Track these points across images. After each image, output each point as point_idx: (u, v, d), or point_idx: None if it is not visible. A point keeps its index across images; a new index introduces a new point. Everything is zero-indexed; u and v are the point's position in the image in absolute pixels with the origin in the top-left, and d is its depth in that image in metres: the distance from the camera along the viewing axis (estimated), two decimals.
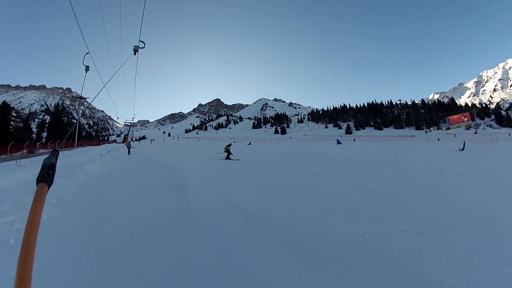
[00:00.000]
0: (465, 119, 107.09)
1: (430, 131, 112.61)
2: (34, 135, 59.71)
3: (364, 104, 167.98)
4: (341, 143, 41.00)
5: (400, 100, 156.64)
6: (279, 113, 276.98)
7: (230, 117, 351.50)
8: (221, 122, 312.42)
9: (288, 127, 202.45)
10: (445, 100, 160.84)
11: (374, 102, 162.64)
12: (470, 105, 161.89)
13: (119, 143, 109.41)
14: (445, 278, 3.07)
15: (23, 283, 0.66)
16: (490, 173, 10.81)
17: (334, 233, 4.48)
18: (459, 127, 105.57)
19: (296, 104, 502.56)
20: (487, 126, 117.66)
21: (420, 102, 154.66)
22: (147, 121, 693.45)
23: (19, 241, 0.68)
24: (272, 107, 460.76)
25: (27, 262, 0.69)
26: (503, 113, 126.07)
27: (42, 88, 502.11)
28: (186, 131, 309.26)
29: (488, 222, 4.78)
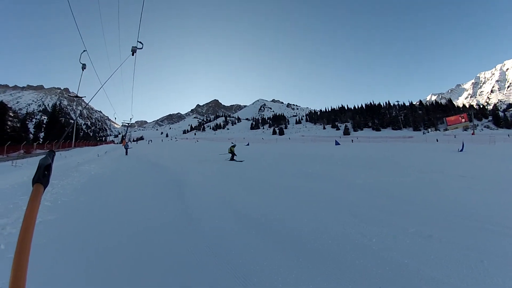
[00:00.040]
0: (463, 120, 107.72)
1: (428, 132, 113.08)
2: (31, 136, 59.58)
3: (362, 105, 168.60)
4: (339, 144, 40.99)
5: (398, 101, 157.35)
6: (277, 114, 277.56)
7: (228, 118, 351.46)
8: (219, 123, 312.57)
9: (286, 128, 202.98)
10: (443, 101, 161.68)
11: (372, 103, 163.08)
12: (467, 106, 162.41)
13: (117, 143, 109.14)
14: (458, 283, 2.98)
15: (18, 283, 0.67)
16: (491, 173, 10.79)
17: (335, 233, 4.43)
18: (457, 128, 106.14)
19: (294, 105, 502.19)
20: (485, 127, 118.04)
21: (418, 103, 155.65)
22: (145, 122, 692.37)
23: (11, 246, 0.73)
24: (270, 108, 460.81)
25: (21, 263, 0.69)
26: (501, 114, 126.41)
27: (39, 88, 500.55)
28: (184, 132, 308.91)
29: (498, 225, 4.69)
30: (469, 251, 3.64)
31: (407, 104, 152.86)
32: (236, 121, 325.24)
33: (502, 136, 66.72)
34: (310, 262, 3.48)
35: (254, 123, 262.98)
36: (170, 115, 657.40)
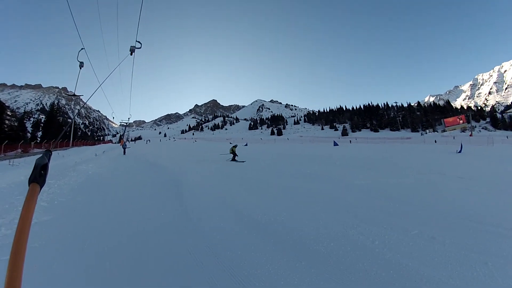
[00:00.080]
0: (461, 121, 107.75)
1: (426, 133, 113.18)
2: (29, 135, 59.28)
3: (360, 106, 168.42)
4: (338, 145, 41.01)
5: (396, 103, 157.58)
6: (275, 114, 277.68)
7: (226, 118, 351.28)
8: (217, 123, 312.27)
9: (284, 128, 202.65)
10: (441, 103, 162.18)
11: (370, 104, 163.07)
12: (465, 107, 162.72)
13: (115, 143, 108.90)
14: (463, 286, 2.96)
15: (14, 283, 0.66)
16: (489, 175, 10.81)
17: (335, 234, 4.42)
18: (455, 129, 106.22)
19: (292, 105, 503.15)
20: (482, 128, 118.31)
21: (416, 104, 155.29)
22: (143, 122, 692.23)
23: (6, 248, 0.72)
24: (268, 109, 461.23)
25: (17, 264, 0.68)
26: (498, 115, 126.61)
27: (38, 87, 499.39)
28: (182, 132, 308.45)
29: (499, 226, 4.67)
30: (473, 253, 3.62)
31: (405, 105, 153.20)
32: (235, 121, 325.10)
33: (500, 137, 67.03)
34: (310, 262, 3.47)
35: (252, 123, 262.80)
36: (168, 115, 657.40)
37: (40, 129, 65.59)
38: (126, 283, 3.09)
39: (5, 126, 45.93)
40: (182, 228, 4.85)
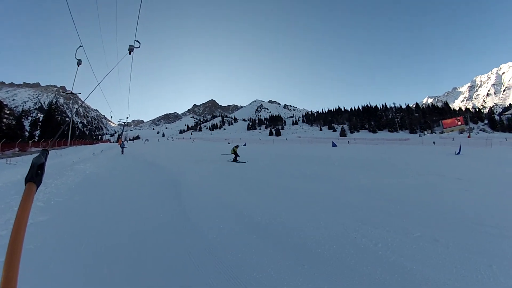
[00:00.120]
0: (459, 123, 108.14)
1: (424, 134, 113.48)
2: (26, 133, 59.00)
3: (358, 107, 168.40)
4: (336, 146, 41.04)
5: (394, 104, 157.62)
6: (274, 115, 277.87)
7: (224, 118, 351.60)
8: (215, 123, 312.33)
9: (282, 129, 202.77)
10: (439, 104, 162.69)
11: (369, 105, 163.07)
12: (463, 109, 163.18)
13: (113, 142, 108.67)
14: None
15: (9, 284, 0.66)
16: (487, 176, 10.87)
17: (335, 234, 4.40)
18: (453, 131, 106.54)
19: (290, 106, 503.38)
20: (480, 130, 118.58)
21: (414, 105, 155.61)
22: (142, 121, 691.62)
23: (2, 248, 0.68)
24: (267, 109, 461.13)
25: (13, 264, 0.68)
26: (496, 117, 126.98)
27: (36, 85, 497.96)
28: (181, 132, 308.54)
29: (499, 228, 4.64)
30: (476, 256, 3.57)
31: (403, 106, 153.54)
32: (233, 121, 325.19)
33: (498, 139, 67.25)
34: (310, 262, 3.46)
35: (250, 123, 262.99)
36: (166, 114, 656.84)
37: (38, 128, 65.33)
38: (125, 283, 3.06)
39: (3, 124, 45.74)
40: (181, 228, 4.80)
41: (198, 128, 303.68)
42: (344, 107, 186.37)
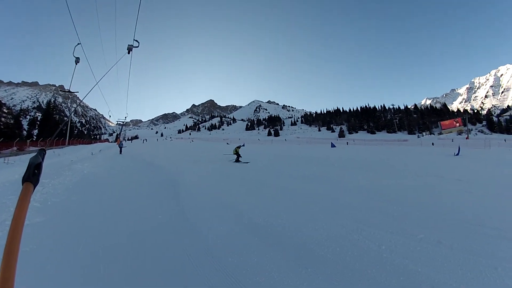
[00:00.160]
0: (457, 124, 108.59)
1: (423, 135, 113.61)
2: (25, 132, 58.74)
3: (357, 108, 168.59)
4: (335, 146, 41.02)
5: (393, 105, 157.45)
6: (273, 115, 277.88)
7: (223, 118, 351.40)
8: (214, 123, 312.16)
9: (281, 129, 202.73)
10: (438, 106, 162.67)
11: (367, 106, 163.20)
12: (462, 110, 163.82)
13: (111, 142, 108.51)
14: None
15: (6, 284, 0.66)
16: (486, 177, 10.86)
17: (334, 235, 4.39)
18: (451, 132, 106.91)
19: (289, 106, 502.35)
20: (479, 131, 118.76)
21: (412, 107, 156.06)
22: (140, 121, 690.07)
23: None
24: (266, 109, 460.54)
25: (10, 264, 0.68)
26: (495, 119, 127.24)
27: (34, 84, 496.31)
28: (179, 132, 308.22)
29: (499, 229, 4.62)
30: (480, 258, 3.55)
31: (402, 107, 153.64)
32: (232, 121, 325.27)
33: (496, 140, 67.39)
34: (310, 262, 3.45)
35: (249, 124, 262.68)
36: (165, 114, 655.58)
37: (36, 127, 65.02)
38: (123, 283, 3.04)
39: (1, 123, 45.57)
40: (179, 228, 4.78)
41: (196, 128, 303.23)
42: (342, 108, 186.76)
